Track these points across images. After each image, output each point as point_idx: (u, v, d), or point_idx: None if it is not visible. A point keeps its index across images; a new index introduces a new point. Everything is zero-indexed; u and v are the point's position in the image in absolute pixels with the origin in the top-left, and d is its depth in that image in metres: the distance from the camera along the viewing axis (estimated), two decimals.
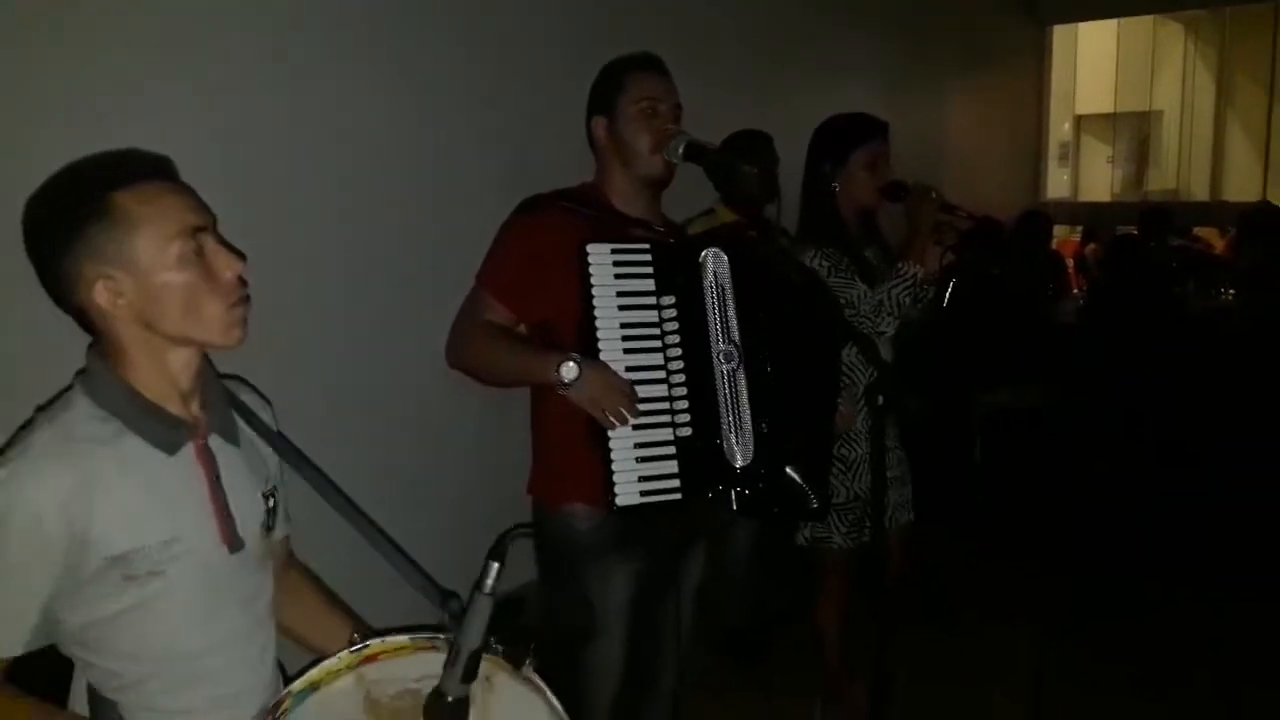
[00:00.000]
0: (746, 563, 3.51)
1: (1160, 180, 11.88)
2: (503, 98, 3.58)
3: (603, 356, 1.86)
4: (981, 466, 4.65)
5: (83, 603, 1.29)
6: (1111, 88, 11.84)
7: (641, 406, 1.87)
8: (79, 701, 1.36)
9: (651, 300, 1.91)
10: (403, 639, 1.32)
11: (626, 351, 1.88)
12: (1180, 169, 11.67)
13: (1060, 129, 10.51)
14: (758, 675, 3.36)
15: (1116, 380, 4.67)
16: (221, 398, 1.45)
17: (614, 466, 1.86)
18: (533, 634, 1.31)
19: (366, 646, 1.31)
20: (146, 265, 1.28)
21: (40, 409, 1.35)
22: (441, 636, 1.31)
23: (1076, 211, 9.21)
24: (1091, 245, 7.38)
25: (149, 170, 1.33)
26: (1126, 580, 3.86)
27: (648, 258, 1.91)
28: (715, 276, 1.96)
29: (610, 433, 1.85)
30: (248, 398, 1.53)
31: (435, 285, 2.34)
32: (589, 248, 1.86)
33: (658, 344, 1.91)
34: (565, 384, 1.83)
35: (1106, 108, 11.97)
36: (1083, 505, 4.24)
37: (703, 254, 1.96)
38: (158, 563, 1.29)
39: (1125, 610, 3.69)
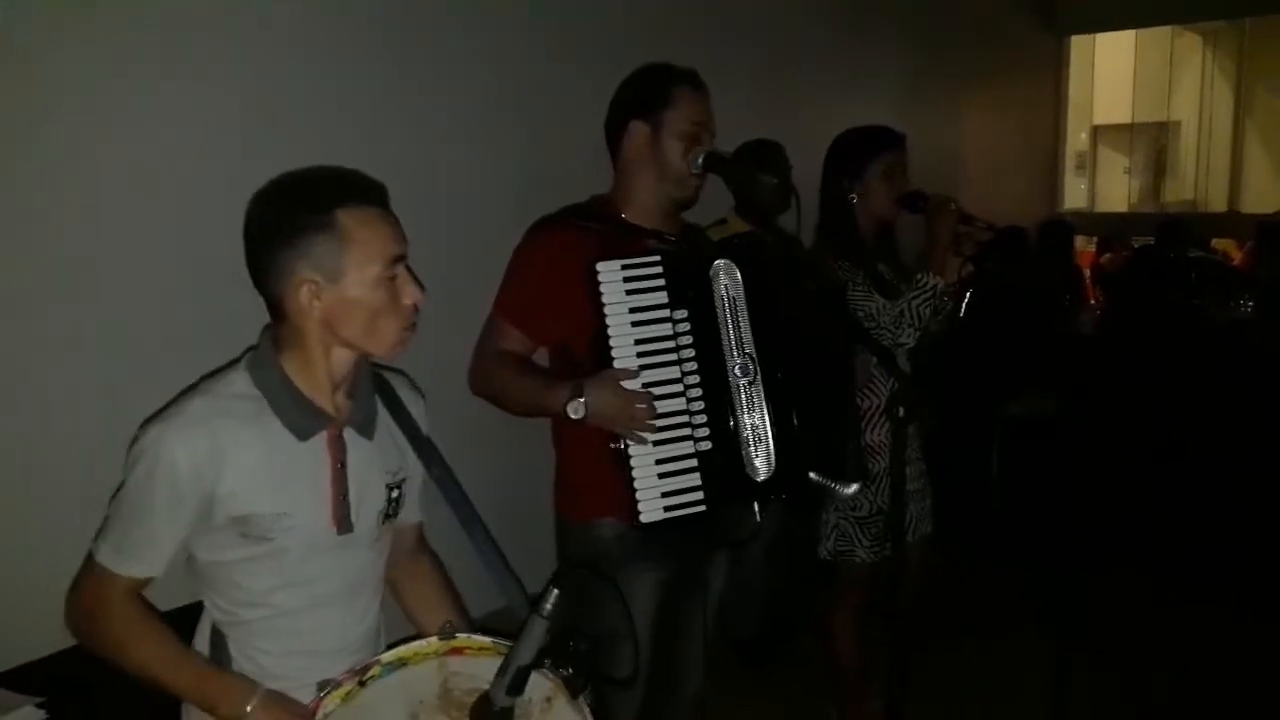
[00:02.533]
0: (762, 570, 3.50)
1: (1178, 191, 11.81)
2: (516, 109, 3.60)
3: None
4: (999, 477, 4.63)
5: (208, 545, 1.49)
6: (1129, 98, 11.80)
7: (661, 421, 1.87)
8: (203, 634, 1.56)
9: (665, 314, 1.91)
10: (487, 640, 1.42)
11: (643, 368, 1.88)
12: (1198, 180, 11.60)
13: (1077, 139, 10.47)
14: (774, 685, 3.36)
15: (1134, 391, 4.64)
16: (369, 392, 1.60)
17: (636, 484, 1.86)
18: (594, 666, 1.37)
19: (455, 638, 1.41)
20: (347, 280, 1.45)
21: (205, 377, 1.54)
22: None
23: (1093, 222, 9.17)
24: (1108, 255, 7.35)
25: (370, 195, 1.50)
26: (1146, 591, 3.83)
27: (659, 270, 1.90)
28: (726, 289, 1.95)
29: (631, 449, 1.86)
30: (403, 392, 1.67)
31: (449, 300, 2.34)
32: (599, 266, 1.86)
33: (674, 358, 1.91)
34: (579, 420, 1.84)
35: (1124, 118, 11.92)
36: (1102, 515, 4.22)
37: (713, 266, 1.95)
38: (268, 530, 1.46)
39: (1145, 622, 3.67)
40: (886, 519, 2.65)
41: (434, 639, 1.41)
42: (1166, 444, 4.50)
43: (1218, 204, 10.93)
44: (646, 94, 2.07)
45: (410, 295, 1.50)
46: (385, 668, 1.38)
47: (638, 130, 2.05)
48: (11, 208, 2.42)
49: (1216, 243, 7.68)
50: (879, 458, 2.64)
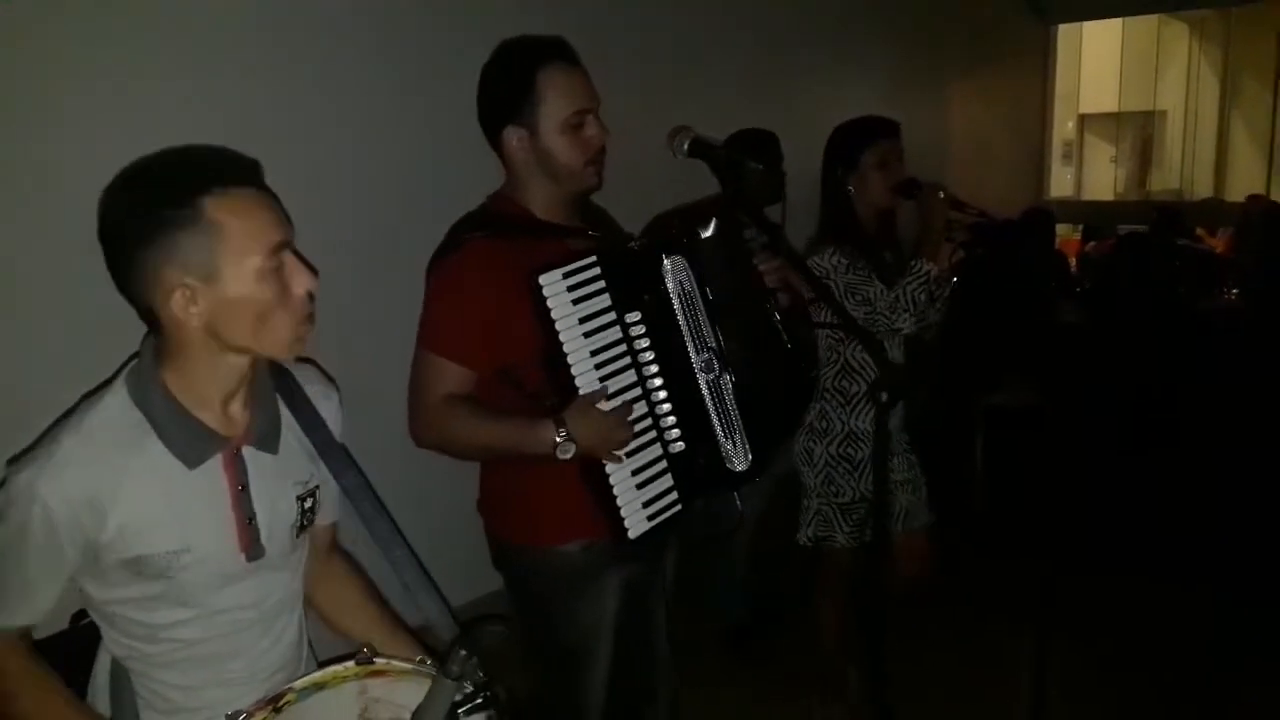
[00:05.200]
0: (744, 559, 3.52)
1: (1163, 180, 11.88)
2: None
3: (580, 388, 1.76)
4: (983, 465, 4.65)
5: (100, 583, 1.33)
6: (1116, 87, 11.83)
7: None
8: (103, 669, 1.42)
9: (613, 317, 1.79)
10: (408, 665, 1.34)
11: (602, 379, 1.77)
12: (1184, 169, 11.66)
13: (1064, 128, 10.51)
14: (755, 675, 3.37)
15: (1119, 379, 4.67)
16: (269, 399, 1.42)
17: (618, 501, 1.78)
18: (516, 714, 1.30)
19: (373, 663, 1.32)
20: (226, 278, 1.25)
21: (87, 395, 1.36)
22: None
23: (1080, 210, 9.20)
24: (1093, 243, 7.39)
25: (242, 176, 1.29)
26: (1128, 580, 3.86)
27: (598, 271, 1.76)
28: (681, 284, 1.85)
29: (608, 468, 1.78)
30: (312, 387, 1.49)
31: (397, 294, 2.19)
32: (541, 279, 1.71)
33: (628, 362, 1.81)
34: (568, 457, 1.73)
35: (1110, 107, 11.96)
36: (1084, 504, 4.25)
37: (664, 265, 1.84)
38: (165, 570, 1.31)
39: (1127, 610, 3.70)
40: (869, 506, 2.66)
41: (352, 663, 1.32)
42: (1150, 432, 4.53)
43: (1203, 192, 10.98)
44: (510, 92, 1.85)
45: (302, 283, 1.30)
46: (301, 693, 1.29)
47: (514, 136, 1.86)
48: (11, 208, 2.40)
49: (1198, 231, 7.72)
50: (864, 444, 2.65)
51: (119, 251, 1.27)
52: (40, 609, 1.34)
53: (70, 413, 1.35)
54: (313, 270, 1.33)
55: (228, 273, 1.25)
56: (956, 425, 4.57)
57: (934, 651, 3.23)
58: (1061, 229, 7.27)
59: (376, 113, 3.17)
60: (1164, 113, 11.93)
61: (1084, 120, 11.80)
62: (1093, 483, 4.32)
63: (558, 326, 1.72)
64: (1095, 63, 11.19)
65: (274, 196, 1.32)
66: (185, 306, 1.26)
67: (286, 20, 2.93)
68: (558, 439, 1.71)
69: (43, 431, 1.34)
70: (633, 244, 1.91)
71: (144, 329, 1.36)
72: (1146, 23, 11.06)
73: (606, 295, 1.77)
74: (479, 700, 1.22)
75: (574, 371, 1.74)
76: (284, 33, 2.92)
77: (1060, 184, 10.15)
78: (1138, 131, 12.23)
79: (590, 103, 1.87)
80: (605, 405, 1.76)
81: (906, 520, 2.74)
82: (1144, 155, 12.19)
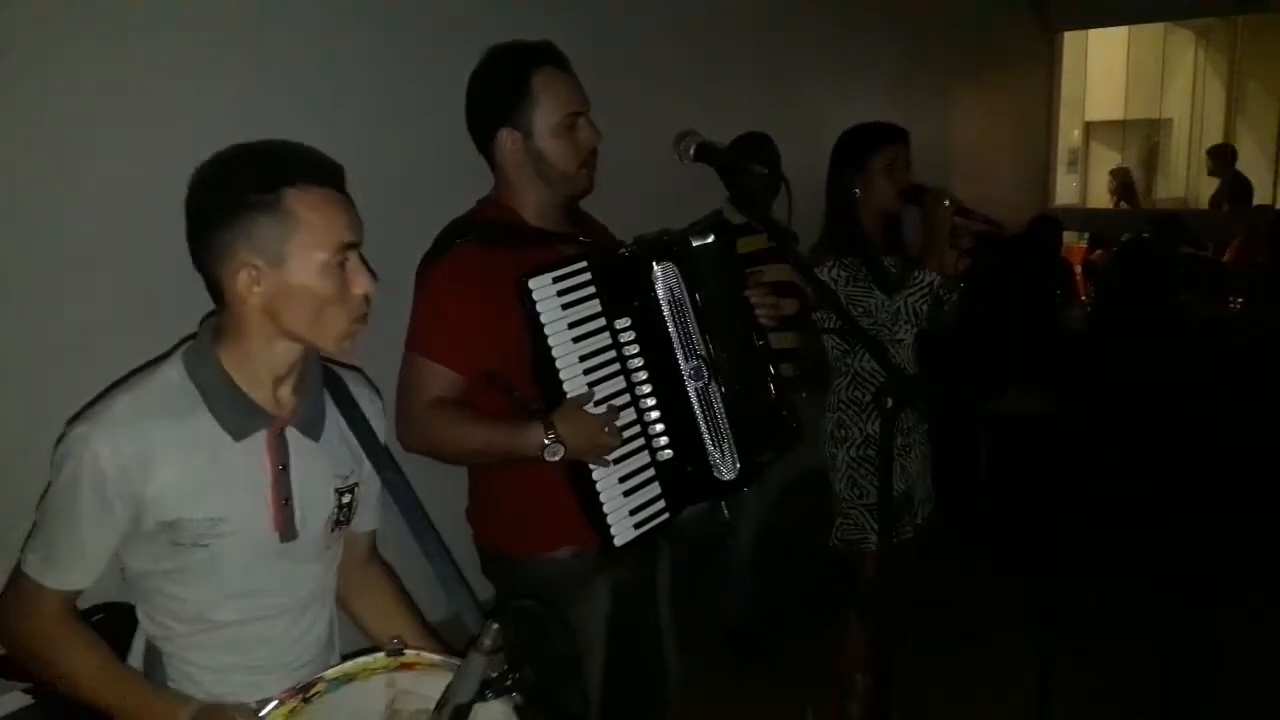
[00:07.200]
0: (747, 564, 3.52)
1: (1169, 188, 11.84)
2: None
3: (568, 393, 1.77)
4: (987, 473, 4.64)
5: (139, 554, 1.40)
6: (1121, 95, 11.80)
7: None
8: (137, 651, 1.48)
9: (602, 322, 1.80)
10: (437, 657, 1.36)
11: (591, 384, 1.78)
12: (1189, 177, 11.62)
13: (1070, 136, 10.48)
14: (758, 679, 3.37)
15: (1123, 387, 4.66)
16: (316, 388, 1.50)
17: (605, 508, 1.79)
18: (542, 696, 1.31)
19: (403, 655, 1.34)
20: (291, 266, 1.35)
21: (138, 369, 1.44)
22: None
23: (1085, 218, 9.19)
24: (1099, 251, 7.38)
25: (324, 176, 1.39)
26: (1133, 588, 3.85)
27: (588, 276, 1.78)
28: (672, 291, 1.85)
29: (595, 475, 1.78)
30: (357, 389, 1.58)
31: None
32: (530, 282, 1.72)
33: (617, 368, 1.82)
34: (556, 459, 1.74)
35: (1116, 115, 11.93)
36: (1089, 512, 4.23)
37: (654, 271, 1.85)
38: (201, 536, 1.38)
39: (1131, 618, 3.68)
40: (896, 503, 2.65)
41: (381, 655, 1.34)
42: (1154, 440, 4.51)
43: (1208, 201, 10.95)
44: (505, 94, 1.87)
45: (361, 285, 1.40)
46: (331, 684, 1.31)
47: (508, 138, 1.88)
48: (11, 208, 2.40)
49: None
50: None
51: (200, 224, 1.37)
52: (91, 571, 1.39)
53: (124, 380, 1.42)
54: (374, 275, 1.42)
55: (294, 261, 1.35)
56: (961, 432, 4.56)
57: (938, 656, 3.22)
58: (1067, 237, 7.25)
59: (375, 114, 3.18)
60: (1170, 121, 11.91)
61: (1089, 128, 11.78)
62: (1096, 489, 4.31)
63: (546, 331, 1.73)
64: (1101, 70, 11.17)
65: (351, 202, 1.42)
66: (249, 285, 1.36)
67: (286, 21, 2.94)
68: (546, 440, 1.72)
69: (98, 394, 1.42)
70: (624, 250, 1.90)
71: (160, 326, 1.47)
72: (1152, 31, 11.04)
73: (596, 300, 1.78)
74: (507, 683, 1.24)
75: (562, 376, 1.76)
76: (283, 34, 2.93)
77: (1065, 192, 10.13)
78: (1143, 140, 12.21)
79: (582, 105, 1.89)
80: (593, 409, 1.76)
81: (921, 512, 2.77)
82: (1150, 163, 12.16)
